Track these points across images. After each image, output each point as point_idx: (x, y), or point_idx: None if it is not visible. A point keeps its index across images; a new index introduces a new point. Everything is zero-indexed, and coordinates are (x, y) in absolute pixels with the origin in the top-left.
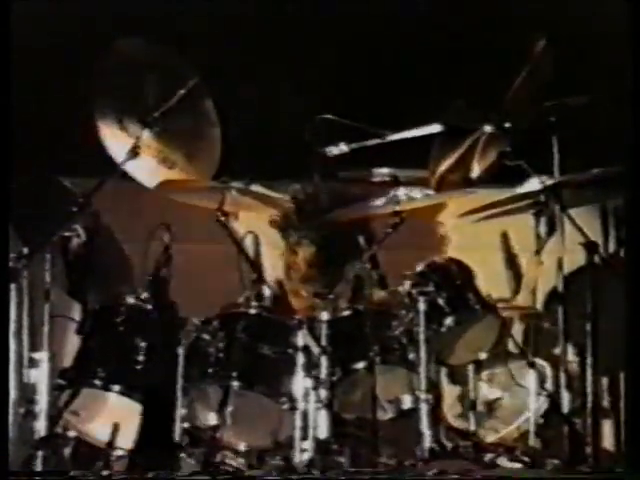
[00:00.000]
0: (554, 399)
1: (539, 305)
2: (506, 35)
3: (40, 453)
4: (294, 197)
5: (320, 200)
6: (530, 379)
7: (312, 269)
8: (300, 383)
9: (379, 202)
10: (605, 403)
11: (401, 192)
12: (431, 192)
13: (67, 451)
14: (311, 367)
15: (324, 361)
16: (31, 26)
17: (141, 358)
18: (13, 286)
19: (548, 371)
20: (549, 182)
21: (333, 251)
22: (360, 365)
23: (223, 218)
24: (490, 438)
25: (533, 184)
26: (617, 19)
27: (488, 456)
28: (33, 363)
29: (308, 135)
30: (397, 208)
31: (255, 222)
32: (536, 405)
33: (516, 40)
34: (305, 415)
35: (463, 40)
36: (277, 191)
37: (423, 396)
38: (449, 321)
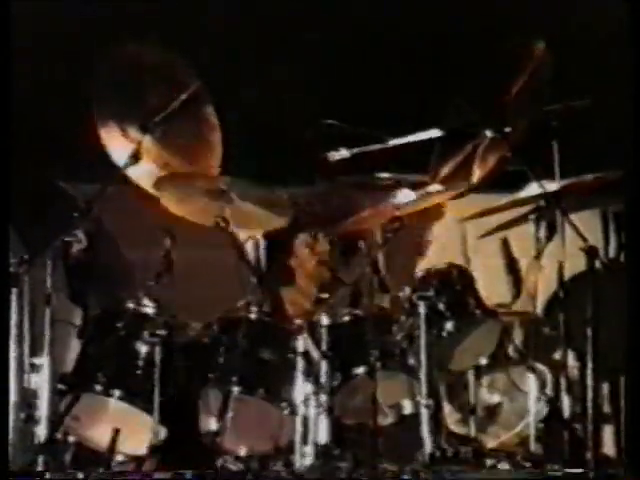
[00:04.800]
0: (554, 404)
1: (539, 310)
2: (506, 38)
3: (41, 458)
4: (295, 201)
5: (322, 204)
6: (530, 384)
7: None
8: (300, 388)
9: (381, 207)
10: (606, 408)
11: (402, 196)
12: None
13: (67, 456)
14: (311, 372)
15: (324, 366)
16: (31, 26)
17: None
18: (14, 291)
19: (548, 376)
20: (550, 187)
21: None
22: (360, 370)
23: (224, 224)
24: (491, 443)
25: (534, 189)
26: (617, 19)
27: (489, 461)
28: (34, 368)
29: (309, 140)
30: (398, 212)
31: None
32: (536, 410)
33: (516, 40)
34: (306, 420)
35: (464, 44)
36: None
37: (424, 401)
38: (449, 326)
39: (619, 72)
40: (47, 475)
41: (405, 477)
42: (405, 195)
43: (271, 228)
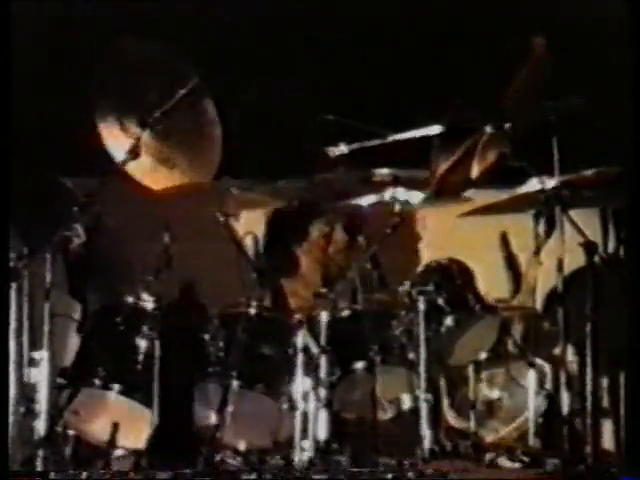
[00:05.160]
0: (554, 399)
1: (539, 305)
2: (506, 35)
3: (40, 452)
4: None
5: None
6: (530, 379)
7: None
8: (300, 383)
9: (378, 202)
10: (605, 403)
11: (401, 192)
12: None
13: (67, 450)
14: (311, 367)
15: (324, 361)
16: (31, 26)
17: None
18: (14, 285)
19: (548, 371)
20: (549, 182)
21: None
22: (360, 365)
23: (223, 218)
24: (490, 438)
25: (533, 185)
26: (617, 19)
27: (488, 456)
28: (33, 362)
29: (309, 135)
30: (397, 209)
31: (255, 221)
32: (536, 405)
33: (516, 40)
34: (305, 415)
35: (463, 40)
36: (278, 191)
37: (423, 396)
38: (449, 321)
39: (619, 72)
40: (51, 475)
41: (405, 472)
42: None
43: (272, 208)
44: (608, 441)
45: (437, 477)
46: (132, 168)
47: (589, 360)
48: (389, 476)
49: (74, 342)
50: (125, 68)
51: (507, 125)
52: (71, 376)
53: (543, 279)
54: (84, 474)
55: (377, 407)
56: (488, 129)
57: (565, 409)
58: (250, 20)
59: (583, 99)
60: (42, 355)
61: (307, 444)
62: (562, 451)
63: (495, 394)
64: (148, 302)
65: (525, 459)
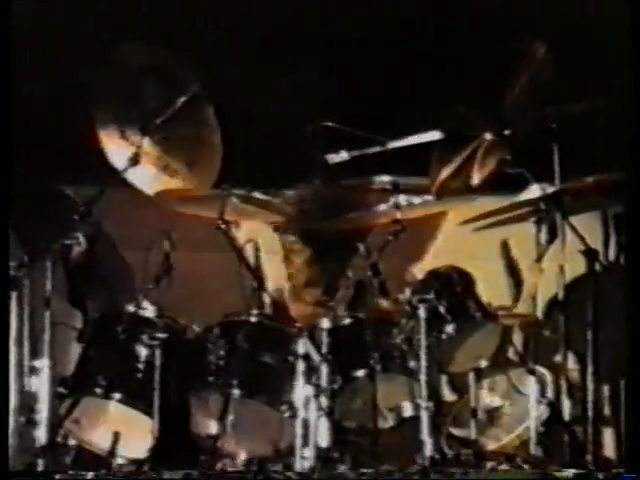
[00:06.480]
0: (555, 407)
1: (540, 313)
2: (506, 39)
3: (41, 461)
4: (295, 201)
5: (320, 206)
6: (531, 387)
7: (313, 272)
8: (301, 391)
9: (380, 209)
10: (606, 411)
11: (402, 199)
12: (432, 199)
13: (68, 459)
14: (312, 375)
15: (325, 369)
16: (32, 32)
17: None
18: (14, 294)
19: (549, 379)
20: (550, 189)
21: (332, 256)
22: (361, 373)
23: (224, 226)
24: (491, 446)
25: (534, 191)
26: (617, 20)
27: (489, 464)
28: (34, 371)
29: (309, 142)
30: (398, 216)
31: (256, 229)
32: (537, 413)
33: (516, 43)
34: (306, 423)
35: (464, 45)
36: (278, 197)
37: (424, 404)
38: (450, 329)
39: (619, 73)
40: (57, 476)
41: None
42: (404, 200)
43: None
44: (609, 449)
45: None
46: (132, 176)
47: (590, 368)
48: None
49: (75, 351)
50: (125, 76)
51: (507, 132)
52: (72, 385)
53: (544, 286)
54: (90, 474)
55: (378, 415)
56: (488, 136)
57: (566, 417)
58: (250, 25)
59: (584, 106)
60: (43, 364)
61: (308, 452)
62: (563, 459)
63: (496, 402)
64: (148, 310)
65: (526, 467)
